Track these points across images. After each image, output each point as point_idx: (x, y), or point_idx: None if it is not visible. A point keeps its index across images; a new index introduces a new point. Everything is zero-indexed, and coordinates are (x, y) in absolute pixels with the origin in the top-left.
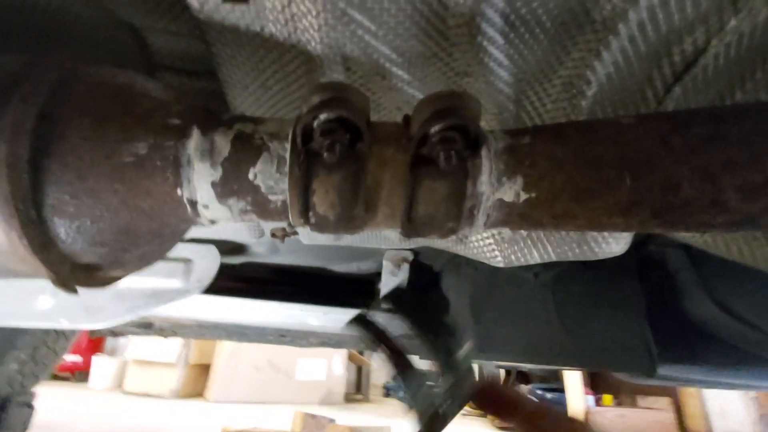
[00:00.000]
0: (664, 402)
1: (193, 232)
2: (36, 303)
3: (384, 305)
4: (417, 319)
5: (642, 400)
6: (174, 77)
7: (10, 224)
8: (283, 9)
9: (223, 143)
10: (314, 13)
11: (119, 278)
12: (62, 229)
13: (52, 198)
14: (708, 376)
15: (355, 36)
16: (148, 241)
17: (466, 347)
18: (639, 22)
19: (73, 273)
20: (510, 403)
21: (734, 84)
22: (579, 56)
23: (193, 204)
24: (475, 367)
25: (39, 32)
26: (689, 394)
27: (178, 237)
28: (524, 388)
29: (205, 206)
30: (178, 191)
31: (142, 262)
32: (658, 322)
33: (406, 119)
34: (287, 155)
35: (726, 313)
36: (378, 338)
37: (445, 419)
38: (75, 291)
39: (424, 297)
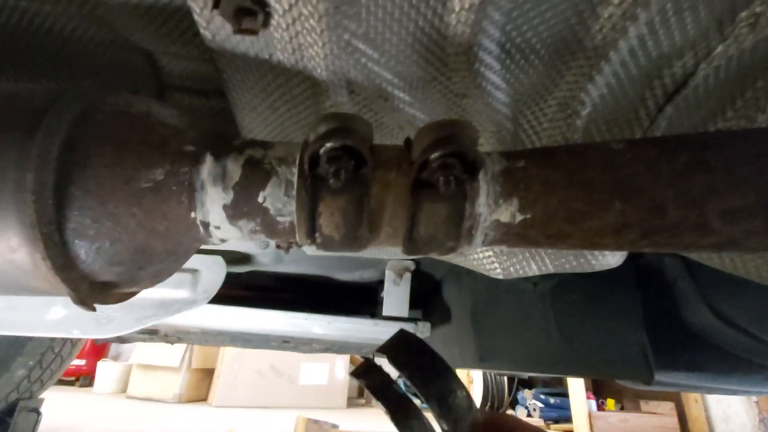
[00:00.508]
0: (667, 407)
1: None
2: (49, 314)
3: (379, 356)
4: (413, 366)
5: (645, 405)
6: (184, 97)
7: (35, 247)
8: (290, 40)
9: (234, 168)
10: (320, 44)
11: (133, 294)
12: (83, 251)
13: (75, 222)
14: (706, 383)
15: (358, 63)
16: (162, 259)
17: (459, 394)
18: (629, 49)
19: (91, 291)
20: None
21: (725, 103)
22: (573, 79)
23: (206, 225)
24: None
25: (52, 55)
26: (692, 398)
27: (190, 255)
28: (527, 393)
29: (217, 227)
30: (192, 214)
31: (155, 279)
32: (656, 330)
33: (408, 142)
34: (295, 180)
35: (723, 321)
36: (378, 389)
37: None
38: (93, 308)
39: (419, 344)
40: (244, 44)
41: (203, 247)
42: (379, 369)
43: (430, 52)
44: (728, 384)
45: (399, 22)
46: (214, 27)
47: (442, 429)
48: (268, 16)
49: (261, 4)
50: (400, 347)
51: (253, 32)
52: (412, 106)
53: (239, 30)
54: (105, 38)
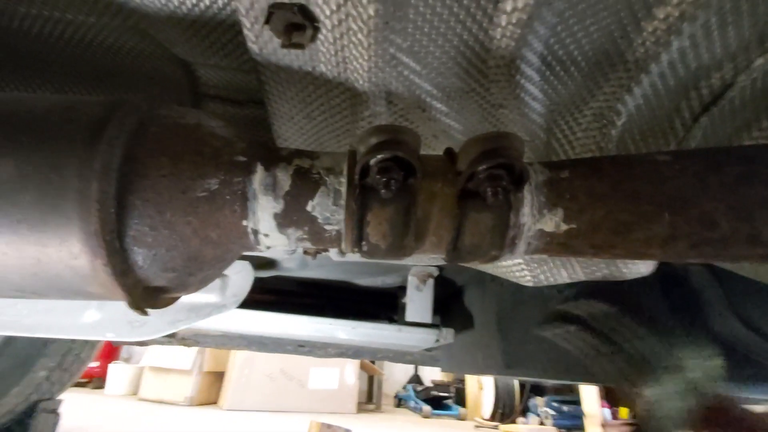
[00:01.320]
0: None
1: None
2: (83, 317)
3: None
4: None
5: None
6: (218, 106)
7: (96, 253)
8: (335, 53)
9: (284, 178)
10: (366, 57)
11: (179, 298)
12: (140, 257)
13: (134, 230)
14: (733, 392)
15: (400, 76)
16: (212, 266)
17: (709, 360)
18: (670, 61)
19: (144, 296)
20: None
21: (760, 113)
22: (610, 91)
23: (256, 233)
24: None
25: (95, 65)
26: None
27: (234, 260)
28: (539, 400)
29: (266, 235)
30: (244, 222)
31: (202, 284)
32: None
33: (450, 153)
34: (343, 189)
35: (751, 329)
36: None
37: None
38: (146, 313)
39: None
40: (289, 57)
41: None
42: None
43: (471, 65)
44: (755, 393)
45: (444, 36)
46: (263, 41)
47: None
48: (316, 30)
49: (311, 19)
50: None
51: (301, 46)
52: (448, 116)
53: (288, 44)
54: (146, 49)
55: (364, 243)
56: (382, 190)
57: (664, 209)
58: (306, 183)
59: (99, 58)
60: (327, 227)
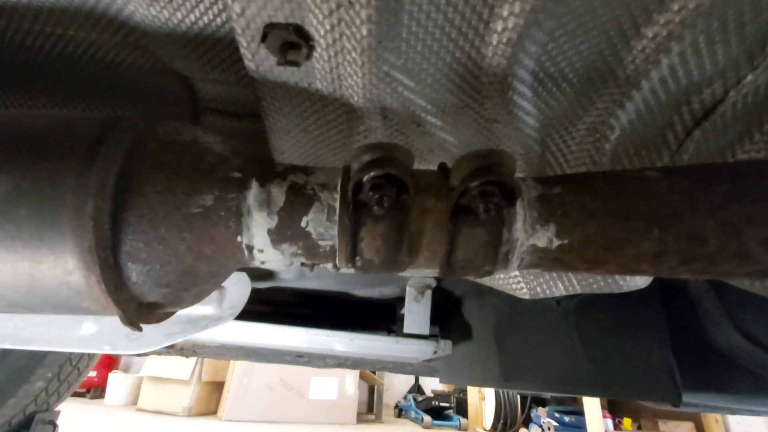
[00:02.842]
0: (686, 427)
1: None
2: (81, 329)
3: None
4: None
5: (663, 425)
6: (217, 119)
7: (90, 270)
8: (330, 71)
9: (278, 194)
10: (360, 74)
11: (173, 314)
12: (134, 273)
13: (128, 246)
14: (732, 404)
15: (395, 92)
16: (206, 281)
17: None
18: (661, 78)
19: (138, 311)
20: None
21: (752, 127)
22: (603, 106)
23: (250, 249)
24: None
25: (95, 80)
26: (712, 418)
27: (228, 276)
28: (542, 411)
29: (260, 250)
30: (239, 238)
31: (196, 299)
32: (682, 350)
33: (443, 168)
34: (337, 205)
35: (750, 341)
36: None
37: None
38: (140, 328)
39: None
40: (285, 74)
41: None
42: None
43: (464, 81)
44: (755, 405)
45: (437, 54)
46: (259, 59)
47: None
48: (311, 49)
49: (306, 38)
50: None
51: (296, 64)
52: (443, 131)
53: (284, 62)
54: (145, 64)
55: (358, 258)
56: (375, 207)
57: (654, 225)
58: (300, 199)
59: (99, 73)
60: (321, 243)
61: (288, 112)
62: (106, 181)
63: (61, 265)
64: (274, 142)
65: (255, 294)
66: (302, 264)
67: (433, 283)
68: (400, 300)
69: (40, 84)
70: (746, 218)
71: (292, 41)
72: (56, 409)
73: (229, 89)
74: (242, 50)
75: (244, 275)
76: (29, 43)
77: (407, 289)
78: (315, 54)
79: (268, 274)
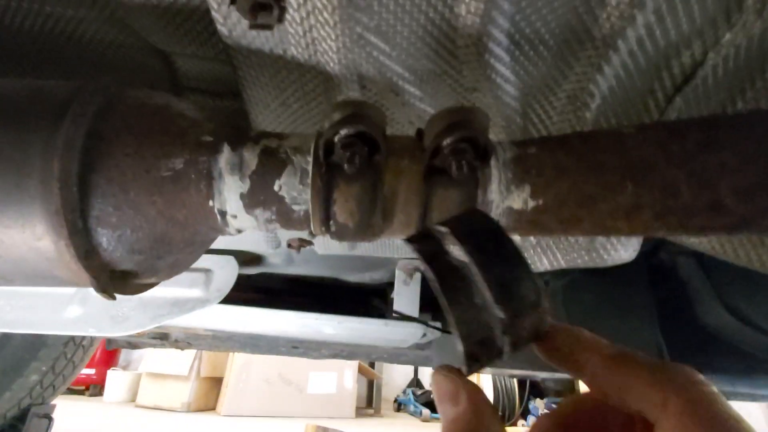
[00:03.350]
0: None
1: (215, 242)
2: (65, 312)
3: (441, 229)
4: (475, 243)
5: None
6: (199, 98)
7: (59, 234)
8: (304, 34)
9: (251, 158)
10: (333, 37)
11: (151, 286)
12: (105, 238)
13: (97, 209)
14: (725, 386)
15: (370, 57)
16: (180, 249)
17: (526, 284)
18: (637, 38)
19: (111, 280)
20: (585, 349)
21: (734, 94)
22: (581, 71)
23: (223, 214)
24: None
25: (74, 58)
26: None
27: (206, 246)
28: (539, 402)
29: (234, 216)
30: (210, 202)
31: (173, 270)
32: (671, 330)
33: (419, 133)
34: (310, 168)
35: (739, 320)
36: (429, 255)
37: (495, 351)
38: (113, 297)
39: (489, 223)
40: (259, 40)
41: (219, 247)
42: (436, 238)
43: (440, 45)
44: (748, 387)
45: (410, 14)
46: (231, 23)
47: (496, 317)
48: (282, 10)
49: None
50: (466, 221)
51: (268, 27)
52: (422, 101)
53: (255, 25)
54: (124, 41)
55: (331, 222)
56: (346, 165)
57: (627, 179)
58: (273, 162)
59: (79, 52)
60: (295, 207)
61: (265, 83)
62: (73, 143)
63: (30, 230)
64: (254, 118)
65: (244, 281)
66: (288, 246)
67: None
68: (391, 285)
69: (19, 64)
70: (719, 167)
71: (261, 2)
72: (52, 402)
73: (208, 66)
74: (213, 14)
75: (231, 258)
76: (6, 22)
77: (396, 272)
78: (287, 16)
79: (256, 259)
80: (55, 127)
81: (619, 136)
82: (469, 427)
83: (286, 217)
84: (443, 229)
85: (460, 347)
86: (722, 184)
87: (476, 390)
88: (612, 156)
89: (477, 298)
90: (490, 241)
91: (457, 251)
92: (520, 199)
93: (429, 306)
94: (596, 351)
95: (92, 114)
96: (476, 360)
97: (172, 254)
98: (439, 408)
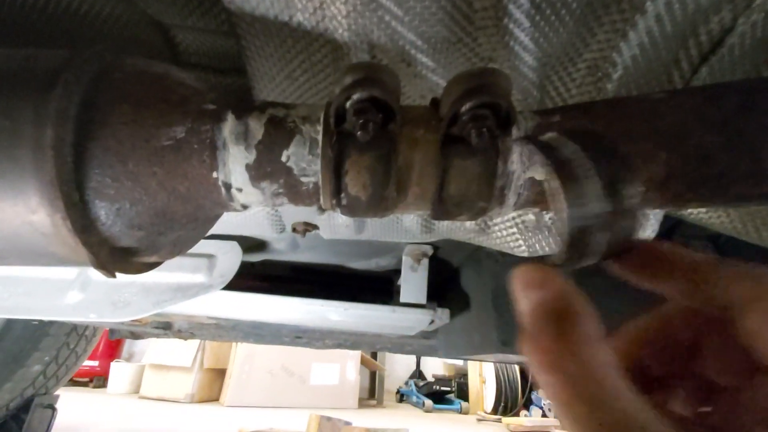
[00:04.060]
0: None
1: (219, 227)
2: (66, 298)
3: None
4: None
5: None
6: (200, 74)
7: (54, 206)
8: None
9: (256, 127)
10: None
11: (153, 266)
12: (103, 212)
13: (94, 181)
14: None
15: (382, 22)
16: (183, 225)
17: (633, 189)
18: (666, 1)
19: (111, 256)
20: (675, 261)
21: (759, 65)
22: (605, 37)
23: (228, 187)
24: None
25: (71, 33)
26: None
27: (210, 223)
28: (541, 393)
29: (239, 189)
30: (214, 174)
31: (175, 247)
32: None
33: (435, 102)
34: (319, 137)
35: None
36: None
37: (594, 243)
38: (113, 275)
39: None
40: (264, 5)
41: (223, 232)
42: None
43: (456, 8)
44: None
45: None
46: None
47: (601, 211)
48: None
49: None
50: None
51: None
52: (435, 72)
53: None
54: (123, 15)
55: (343, 195)
56: (359, 133)
57: (659, 147)
58: (280, 132)
59: (76, 27)
60: (303, 179)
61: (271, 53)
62: (66, 111)
63: (23, 202)
64: (258, 92)
65: (248, 268)
66: (293, 230)
67: (430, 251)
68: (397, 273)
69: (12, 41)
70: (760, 130)
71: None
72: (55, 393)
73: (210, 40)
74: None
75: (235, 244)
76: None
77: (403, 258)
78: None
79: (260, 245)
80: (48, 94)
81: (649, 102)
82: (559, 306)
83: (294, 190)
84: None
85: (565, 229)
86: (764, 150)
87: (566, 279)
88: (642, 123)
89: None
90: (599, 142)
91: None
92: (543, 169)
93: (436, 293)
94: (681, 258)
95: (87, 81)
96: (577, 248)
97: (174, 230)
98: (520, 297)
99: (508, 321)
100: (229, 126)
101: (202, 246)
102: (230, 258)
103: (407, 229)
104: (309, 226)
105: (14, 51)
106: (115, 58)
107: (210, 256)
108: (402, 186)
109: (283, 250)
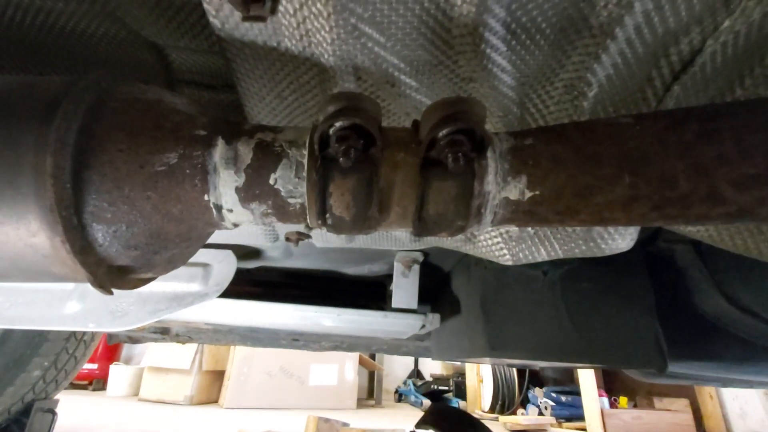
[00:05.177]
0: (681, 404)
1: (213, 237)
2: (65, 308)
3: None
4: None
5: (659, 402)
6: (193, 91)
7: (54, 230)
8: (298, 26)
9: (245, 152)
10: (327, 28)
11: (148, 281)
12: (100, 234)
13: (92, 205)
14: (721, 373)
15: (365, 48)
16: (176, 244)
17: None
18: (635, 26)
19: (108, 275)
20: None
21: (733, 81)
22: (579, 59)
23: (219, 208)
24: None
25: (67, 53)
26: (707, 395)
27: (202, 241)
28: (538, 392)
29: (230, 210)
30: (206, 197)
31: (170, 264)
32: (669, 318)
33: (416, 125)
34: (305, 161)
35: (737, 307)
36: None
37: None
38: (111, 292)
39: (455, 412)
40: (252, 32)
41: (217, 241)
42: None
43: (435, 35)
44: (744, 374)
45: (404, 4)
46: (223, 15)
47: None
48: (275, 2)
49: None
50: (439, 416)
51: (261, 19)
52: (418, 92)
53: (248, 17)
54: (117, 35)
55: (328, 216)
56: (342, 159)
57: (624, 171)
58: (268, 156)
59: (73, 46)
60: (290, 200)
61: (260, 76)
62: (65, 139)
63: (25, 227)
64: (249, 111)
65: (243, 275)
66: (287, 239)
67: (420, 258)
68: (389, 278)
69: (14, 59)
70: (717, 158)
71: None
72: (55, 397)
73: (203, 59)
74: (205, 5)
75: (229, 252)
76: (2, 17)
77: (395, 264)
78: (280, 8)
79: (255, 253)
80: (47, 124)
81: (616, 126)
82: None
83: (282, 210)
84: (426, 427)
85: None
86: (720, 175)
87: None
88: (609, 147)
89: None
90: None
91: None
92: (516, 190)
93: (429, 296)
94: None
95: (83, 111)
96: None
97: (168, 249)
98: None
99: (495, 327)
100: (219, 151)
101: (198, 255)
102: (225, 267)
103: (397, 237)
104: (302, 235)
105: (15, 79)
106: (111, 85)
107: (205, 265)
108: (384, 206)
109: (278, 257)
